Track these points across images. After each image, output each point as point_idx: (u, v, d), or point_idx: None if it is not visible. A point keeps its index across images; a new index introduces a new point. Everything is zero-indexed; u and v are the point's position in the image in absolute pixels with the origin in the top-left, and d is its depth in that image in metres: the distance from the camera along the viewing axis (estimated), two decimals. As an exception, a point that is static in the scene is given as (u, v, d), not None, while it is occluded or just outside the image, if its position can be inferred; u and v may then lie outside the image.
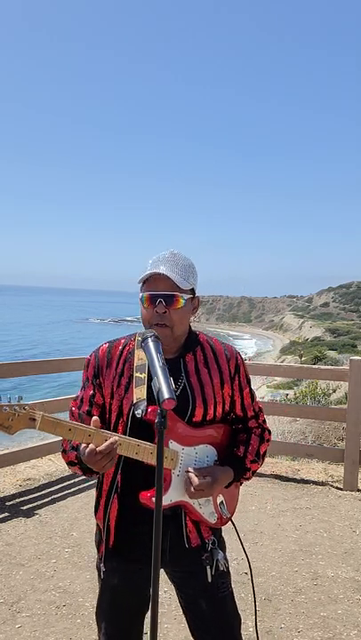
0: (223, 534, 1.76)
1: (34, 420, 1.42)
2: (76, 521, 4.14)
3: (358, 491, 5.03)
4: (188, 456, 1.61)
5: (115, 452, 1.46)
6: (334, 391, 10.63)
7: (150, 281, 1.58)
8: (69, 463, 1.63)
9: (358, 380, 5.07)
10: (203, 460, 1.64)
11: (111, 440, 1.44)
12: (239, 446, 1.71)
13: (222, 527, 1.73)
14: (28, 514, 4.24)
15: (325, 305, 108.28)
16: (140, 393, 1.55)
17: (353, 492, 4.99)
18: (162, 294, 1.56)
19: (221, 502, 1.68)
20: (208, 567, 1.64)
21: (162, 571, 1.68)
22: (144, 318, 1.63)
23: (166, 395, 1.27)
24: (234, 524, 1.74)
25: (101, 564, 1.68)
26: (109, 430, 1.63)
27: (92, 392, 1.68)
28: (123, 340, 1.72)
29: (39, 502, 4.49)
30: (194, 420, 1.62)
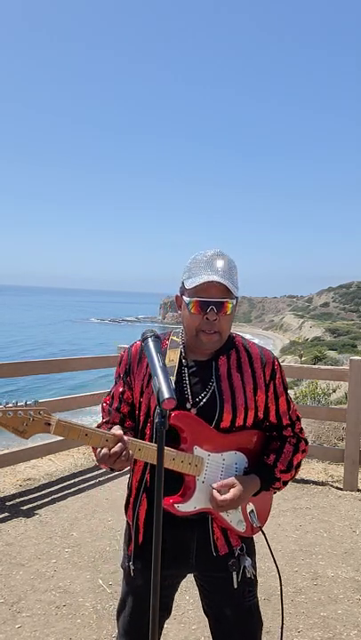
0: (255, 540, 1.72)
1: (49, 424, 1.40)
2: (76, 521, 4.14)
3: (358, 491, 5.03)
4: (214, 463, 1.56)
5: (128, 453, 1.43)
6: (334, 391, 10.61)
7: (202, 287, 1.50)
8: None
9: (358, 380, 5.06)
10: (231, 467, 1.59)
11: (120, 443, 1.43)
12: (270, 454, 1.65)
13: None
14: (28, 514, 4.24)
15: (325, 305, 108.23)
16: None
17: (353, 492, 4.99)
18: (214, 301, 1.50)
19: (252, 511, 1.63)
20: (234, 573, 1.60)
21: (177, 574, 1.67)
22: (189, 324, 1.55)
23: (166, 394, 1.25)
24: (265, 535, 1.67)
25: (130, 563, 1.65)
26: (138, 431, 1.62)
27: (122, 389, 1.66)
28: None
29: (39, 502, 4.49)
30: (222, 425, 1.56)
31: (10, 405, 1.37)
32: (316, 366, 6.72)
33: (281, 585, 1.76)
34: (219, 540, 1.59)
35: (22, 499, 4.55)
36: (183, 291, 1.57)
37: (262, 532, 1.66)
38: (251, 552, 1.68)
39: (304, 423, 6.78)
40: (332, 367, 7.11)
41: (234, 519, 1.60)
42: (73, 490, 4.83)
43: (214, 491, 1.52)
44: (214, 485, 1.54)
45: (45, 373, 5.76)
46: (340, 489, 5.07)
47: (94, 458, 1.68)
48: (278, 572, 1.74)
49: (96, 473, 5.25)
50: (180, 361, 1.62)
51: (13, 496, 4.59)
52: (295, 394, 9.99)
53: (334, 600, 3.15)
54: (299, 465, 1.68)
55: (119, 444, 1.43)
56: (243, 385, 1.60)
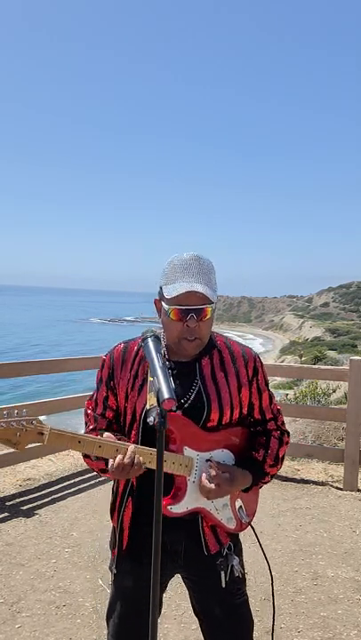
0: (241, 538, 1.73)
1: (42, 434, 1.39)
2: (76, 521, 4.14)
3: (358, 491, 5.03)
4: (203, 462, 1.57)
5: (138, 460, 1.44)
6: (334, 391, 10.61)
7: (182, 295, 1.49)
8: (102, 470, 1.61)
9: (358, 380, 5.07)
10: None
11: (129, 452, 1.44)
12: (258, 450, 1.66)
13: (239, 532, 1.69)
14: (28, 514, 4.24)
15: (325, 305, 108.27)
16: (153, 399, 1.53)
17: (353, 492, 4.99)
18: (193, 309, 1.50)
19: (240, 507, 1.64)
20: (222, 572, 1.60)
21: (167, 573, 1.66)
22: (171, 332, 1.55)
23: (166, 395, 1.26)
24: (254, 530, 1.69)
25: (113, 566, 1.66)
26: (125, 435, 1.61)
27: (105, 394, 1.65)
28: (139, 340, 1.66)
29: (39, 502, 4.49)
30: (209, 424, 1.57)
31: (1, 416, 1.35)
32: (316, 366, 6.72)
33: (272, 580, 1.76)
34: (209, 539, 1.60)
35: (22, 499, 4.55)
36: (162, 296, 1.56)
37: (252, 527, 1.68)
38: (238, 551, 1.69)
39: (304, 423, 6.79)
40: (332, 367, 7.11)
41: (224, 516, 1.61)
42: (73, 490, 4.83)
43: (212, 465, 1.53)
44: (212, 461, 1.55)
45: (45, 373, 5.76)
46: (340, 489, 5.07)
47: (83, 462, 1.68)
48: (269, 568, 1.75)
49: (96, 473, 5.25)
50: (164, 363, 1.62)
51: (13, 496, 4.59)
52: (295, 394, 9.99)
53: (334, 600, 3.15)
54: (283, 457, 1.71)
55: (129, 454, 1.43)
56: (227, 383, 1.61)
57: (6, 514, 4.23)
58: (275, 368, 6.71)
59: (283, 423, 1.74)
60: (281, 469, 5.91)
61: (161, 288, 1.56)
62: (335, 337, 68.32)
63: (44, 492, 4.72)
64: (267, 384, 1.71)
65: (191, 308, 1.50)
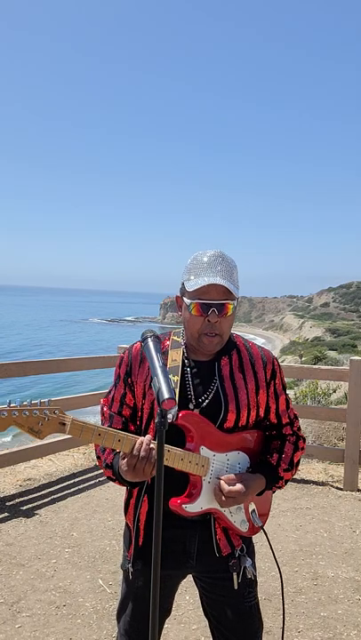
0: (254, 541, 1.72)
1: (64, 424, 1.39)
2: (76, 521, 4.14)
3: (358, 491, 5.03)
4: (219, 463, 1.56)
5: (151, 454, 1.41)
6: (334, 391, 10.61)
7: (203, 289, 1.49)
8: (108, 477, 1.60)
9: (358, 380, 5.06)
10: (235, 467, 1.60)
11: (140, 440, 1.41)
12: (273, 454, 1.65)
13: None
14: (28, 514, 4.24)
15: (325, 305, 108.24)
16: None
17: (353, 492, 4.99)
18: (215, 303, 1.49)
19: (253, 510, 1.63)
20: (235, 574, 1.60)
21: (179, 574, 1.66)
22: (191, 327, 1.55)
23: (166, 395, 1.25)
24: (266, 534, 1.68)
25: (129, 565, 1.64)
26: (140, 434, 1.60)
27: (123, 391, 1.64)
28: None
29: (39, 502, 4.49)
30: (225, 425, 1.57)
31: (25, 404, 1.36)
32: (316, 366, 6.71)
33: (282, 584, 1.75)
34: (221, 540, 1.59)
35: (22, 499, 4.55)
36: (184, 292, 1.56)
37: (264, 531, 1.67)
38: (251, 553, 1.68)
39: (304, 423, 6.78)
40: (332, 367, 7.10)
41: (237, 519, 1.60)
42: (73, 490, 4.83)
43: (223, 482, 1.52)
44: (222, 477, 1.54)
45: (45, 373, 5.75)
46: (341, 489, 5.07)
47: (95, 458, 1.67)
48: (280, 572, 1.74)
49: (96, 473, 5.25)
50: (183, 361, 1.61)
51: (13, 496, 4.59)
52: (295, 394, 9.99)
53: (334, 600, 3.15)
54: (298, 463, 1.70)
55: (144, 446, 1.41)
56: (245, 385, 1.60)
57: (6, 514, 4.23)
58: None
59: (299, 429, 1.73)
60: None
61: (183, 284, 1.56)
62: (335, 337, 68.32)
63: (44, 492, 4.72)
64: (284, 388, 1.70)
65: (213, 303, 1.49)
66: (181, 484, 1.55)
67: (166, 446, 1.46)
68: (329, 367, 6.83)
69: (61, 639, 2.70)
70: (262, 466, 1.63)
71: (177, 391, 1.53)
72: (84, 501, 4.54)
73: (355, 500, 4.84)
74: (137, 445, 1.42)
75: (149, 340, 1.46)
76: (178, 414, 1.48)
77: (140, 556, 1.62)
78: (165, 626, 2.80)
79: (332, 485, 5.17)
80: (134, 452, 1.41)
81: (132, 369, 1.63)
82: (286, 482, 1.67)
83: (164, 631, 2.76)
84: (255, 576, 1.66)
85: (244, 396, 1.59)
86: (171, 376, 1.54)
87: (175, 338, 1.67)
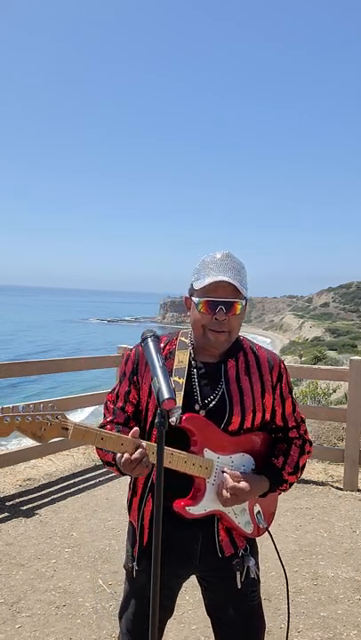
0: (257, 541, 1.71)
1: (66, 429, 1.39)
2: (76, 521, 4.14)
3: (358, 491, 5.03)
4: (223, 465, 1.56)
5: (147, 459, 1.42)
6: (334, 391, 10.61)
7: (211, 287, 1.50)
8: (107, 463, 1.60)
9: (358, 380, 5.06)
10: (239, 469, 1.59)
11: (140, 449, 1.41)
12: (278, 456, 1.65)
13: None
14: (28, 514, 4.23)
15: (325, 305, 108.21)
16: (177, 400, 1.49)
17: (353, 492, 4.99)
18: (223, 301, 1.50)
19: (258, 512, 1.63)
20: (238, 573, 1.59)
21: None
22: (197, 322, 1.55)
23: (166, 395, 1.25)
24: (271, 535, 1.67)
25: (134, 564, 1.64)
26: (145, 432, 1.60)
27: (127, 389, 1.64)
28: (165, 338, 1.66)
29: (39, 502, 4.49)
30: (230, 428, 1.56)
31: (28, 408, 1.35)
32: (316, 366, 6.72)
33: (288, 585, 1.73)
34: (223, 541, 1.59)
35: (22, 499, 4.55)
36: (192, 292, 1.56)
37: (268, 532, 1.66)
38: (254, 553, 1.67)
39: (304, 423, 6.79)
40: (332, 367, 7.11)
41: (242, 520, 1.59)
42: (73, 490, 4.82)
43: (227, 476, 1.51)
44: (228, 472, 1.53)
45: (45, 373, 5.75)
46: (341, 489, 5.07)
47: (95, 458, 1.67)
48: (285, 573, 1.72)
49: (96, 473, 5.25)
50: (190, 362, 1.61)
51: (13, 496, 4.59)
52: (295, 394, 9.99)
53: (334, 600, 3.15)
54: (304, 466, 1.69)
55: (139, 450, 1.41)
56: (251, 388, 1.59)
57: (6, 514, 4.22)
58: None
59: (306, 432, 1.73)
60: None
61: (191, 285, 1.57)
62: (335, 337, 68.31)
63: (43, 492, 4.71)
64: (290, 391, 1.69)
65: (221, 301, 1.50)
66: (187, 483, 1.55)
67: (169, 449, 1.46)
68: (329, 367, 6.84)
69: (61, 639, 2.70)
70: (267, 468, 1.63)
71: (182, 392, 1.52)
72: (84, 501, 4.54)
73: (355, 499, 4.84)
74: (136, 453, 1.42)
75: (149, 340, 1.46)
76: (182, 417, 1.48)
77: (144, 555, 1.61)
78: (166, 626, 2.81)
79: (332, 485, 5.17)
80: (133, 456, 1.41)
81: (138, 367, 1.63)
82: (291, 485, 1.67)
83: (163, 631, 2.77)
84: (258, 576, 1.66)
85: (249, 400, 1.58)
86: (176, 378, 1.55)
87: (183, 339, 1.67)
